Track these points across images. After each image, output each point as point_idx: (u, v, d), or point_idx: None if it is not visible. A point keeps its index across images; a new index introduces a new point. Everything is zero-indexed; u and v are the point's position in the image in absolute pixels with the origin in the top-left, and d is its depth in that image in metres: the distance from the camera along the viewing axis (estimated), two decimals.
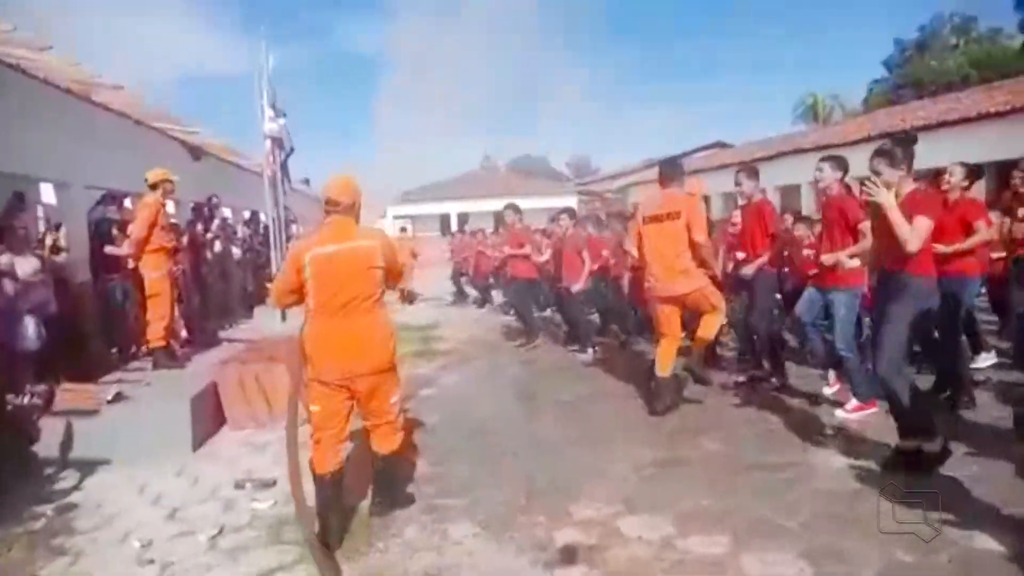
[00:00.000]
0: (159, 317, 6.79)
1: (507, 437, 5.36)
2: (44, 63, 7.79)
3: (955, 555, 3.15)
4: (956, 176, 5.46)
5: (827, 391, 5.76)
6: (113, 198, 8.49)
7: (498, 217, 11.51)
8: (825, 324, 5.48)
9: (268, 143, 9.22)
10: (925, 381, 5.23)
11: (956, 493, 3.78)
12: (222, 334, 9.58)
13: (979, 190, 6.19)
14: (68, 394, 5.44)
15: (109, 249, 7.64)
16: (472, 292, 15.48)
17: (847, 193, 5.37)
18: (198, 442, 5.48)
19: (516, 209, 9.74)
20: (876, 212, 4.06)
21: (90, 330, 7.64)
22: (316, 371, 3.61)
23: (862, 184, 4.05)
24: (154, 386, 6.14)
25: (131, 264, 7.09)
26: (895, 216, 3.86)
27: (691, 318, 5.84)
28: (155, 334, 6.82)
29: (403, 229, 20.01)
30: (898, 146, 4.11)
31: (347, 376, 3.58)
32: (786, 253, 6.81)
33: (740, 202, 6.44)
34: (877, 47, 78.04)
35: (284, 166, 9.72)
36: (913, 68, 34.79)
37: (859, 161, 6.29)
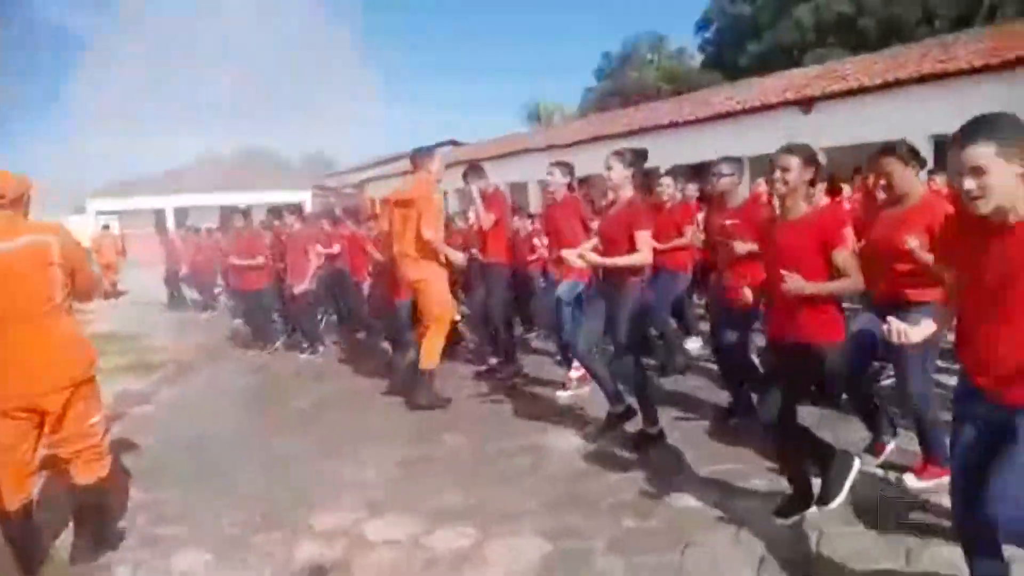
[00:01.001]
0: None
1: (237, 453, 4.93)
2: None
3: (669, 517, 3.49)
4: (667, 187, 6.17)
5: (573, 373, 5.94)
6: None
7: (225, 217, 10.58)
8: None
9: None
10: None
11: (665, 460, 4.22)
12: None
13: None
14: None
15: None
16: (192, 295, 14.07)
17: (572, 195, 5.80)
18: None
19: (246, 214, 9.07)
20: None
21: None
22: None
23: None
24: None
25: None
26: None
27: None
28: None
29: (106, 226, 17.67)
30: (631, 152, 4.47)
31: (28, 396, 3.01)
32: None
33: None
34: (589, 58, 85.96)
35: None
36: (618, 79, 38.87)
37: (579, 161, 6.84)
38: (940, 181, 6.35)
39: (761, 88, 15.61)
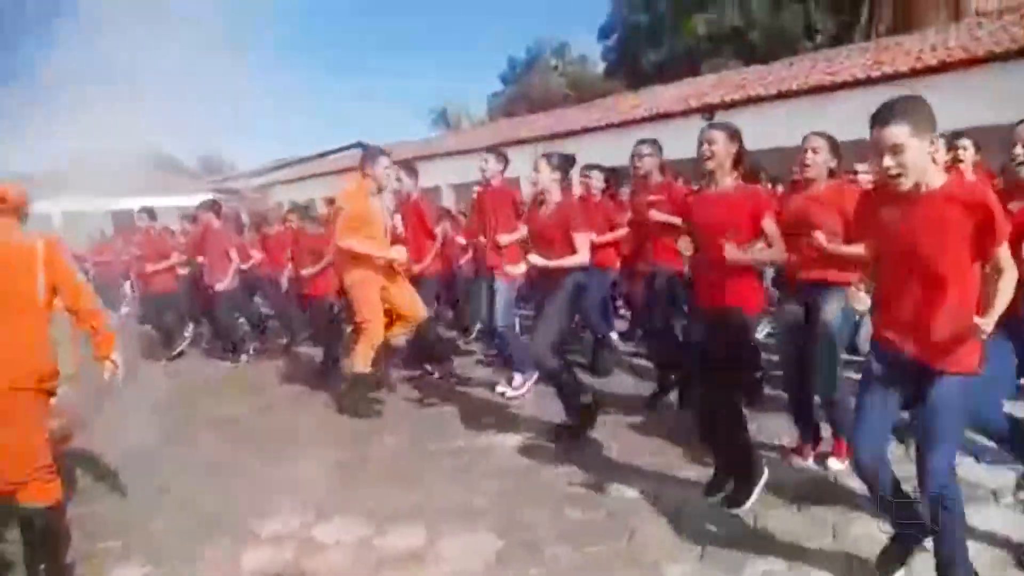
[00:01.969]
0: None
1: (170, 462, 4.76)
2: None
3: (613, 508, 3.65)
4: (596, 181, 6.39)
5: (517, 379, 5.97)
6: None
7: (120, 222, 10.04)
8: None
9: None
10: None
11: (601, 454, 4.39)
12: None
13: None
14: None
15: None
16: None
17: (508, 184, 5.94)
18: None
19: (152, 214, 8.73)
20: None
21: None
22: None
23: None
24: None
25: None
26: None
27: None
28: None
29: None
30: (559, 156, 4.70)
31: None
32: None
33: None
34: (494, 62, 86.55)
35: None
36: (523, 84, 39.32)
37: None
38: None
39: (665, 96, 16.25)
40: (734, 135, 3.42)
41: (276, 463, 4.64)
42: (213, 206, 8.33)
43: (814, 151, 3.74)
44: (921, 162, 2.31)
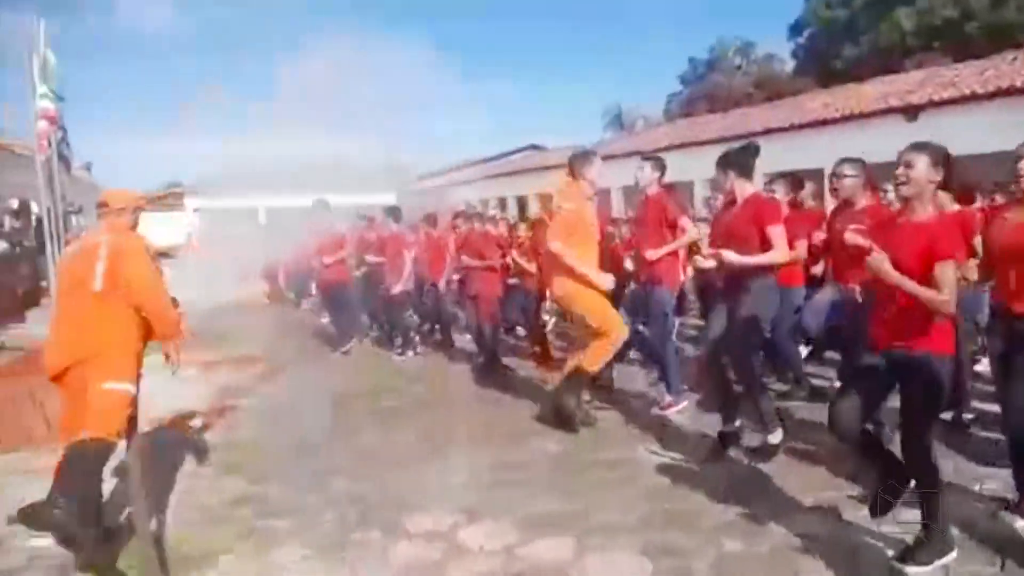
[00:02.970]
0: None
1: (333, 450, 5.00)
2: None
3: (775, 544, 3.31)
4: (779, 194, 5.67)
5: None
6: None
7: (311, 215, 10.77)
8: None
9: (41, 123, 8.04)
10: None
11: (768, 483, 4.03)
12: None
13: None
14: None
15: None
16: (290, 292, 14.54)
17: (666, 192, 5.59)
18: None
19: (326, 207, 9.16)
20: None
21: None
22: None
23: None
24: None
25: None
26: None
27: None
28: None
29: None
30: (742, 151, 4.44)
31: (56, 366, 3.42)
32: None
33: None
34: (673, 63, 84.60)
35: (61, 150, 8.51)
36: (704, 84, 38.09)
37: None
38: None
39: (860, 94, 14.97)
40: (938, 161, 2.91)
41: (432, 459, 4.71)
42: (393, 211, 8.74)
43: None
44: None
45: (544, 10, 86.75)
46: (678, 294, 5.89)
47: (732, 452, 4.46)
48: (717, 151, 5.01)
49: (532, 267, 7.58)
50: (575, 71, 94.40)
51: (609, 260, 6.41)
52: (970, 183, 5.62)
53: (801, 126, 14.35)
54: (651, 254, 5.26)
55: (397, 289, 8.21)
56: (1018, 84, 10.74)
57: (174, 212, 28.73)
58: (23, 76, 7.80)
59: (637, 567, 3.17)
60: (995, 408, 4.81)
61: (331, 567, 3.30)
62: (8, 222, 12.27)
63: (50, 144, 8.17)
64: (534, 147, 34.36)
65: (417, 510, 3.85)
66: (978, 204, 5.91)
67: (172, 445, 5.05)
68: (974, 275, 3.50)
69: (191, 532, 3.66)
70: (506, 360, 7.46)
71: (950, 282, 2.79)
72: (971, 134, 10.69)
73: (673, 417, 5.32)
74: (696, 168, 14.46)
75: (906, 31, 26.87)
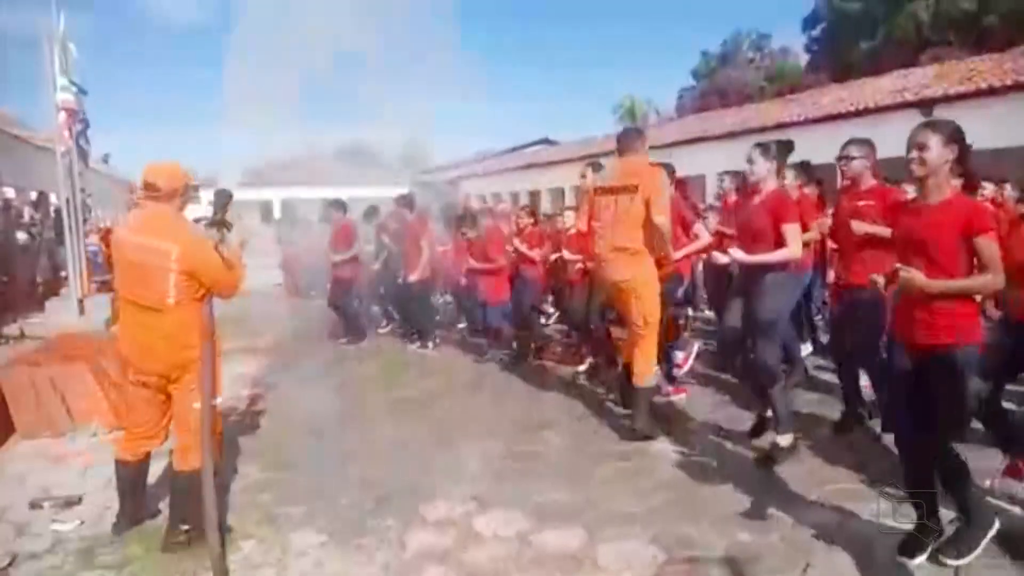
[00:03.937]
0: None
1: (349, 438, 5.07)
2: None
3: (786, 535, 3.36)
4: (789, 180, 5.71)
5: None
6: None
7: (326, 210, 10.83)
8: None
9: (61, 115, 8.13)
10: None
11: (777, 474, 4.06)
12: (6, 330, 8.33)
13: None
14: None
15: None
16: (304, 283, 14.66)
17: (681, 196, 5.62)
18: None
19: (340, 206, 9.22)
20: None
21: None
22: (122, 359, 3.51)
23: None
24: None
25: None
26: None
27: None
28: None
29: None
30: (775, 143, 4.41)
31: (142, 372, 3.41)
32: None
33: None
34: (685, 56, 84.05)
35: (79, 142, 8.61)
36: (717, 78, 37.87)
37: (680, 162, 6.65)
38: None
39: (876, 88, 14.88)
40: (951, 137, 2.86)
41: (446, 448, 4.77)
42: (406, 200, 8.73)
43: None
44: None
45: (558, 4, 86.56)
46: (690, 285, 5.91)
47: (741, 447, 4.51)
48: (729, 145, 5.03)
49: (535, 254, 7.57)
50: (587, 65, 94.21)
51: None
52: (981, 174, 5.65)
53: (815, 120, 14.28)
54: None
55: (414, 277, 8.21)
56: None
57: (190, 204, 28.74)
58: (44, 68, 7.88)
59: (649, 557, 3.22)
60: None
61: (348, 553, 3.37)
62: (27, 213, 12.42)
63: (71, 136, 8.26)
64: (546, 141, 34.34)
65: (431, 498, 3.92)
66: (988, 193, 5.96)
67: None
68: None
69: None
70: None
71: (996, 256, 2.78)
72: (988, 128, 10.64)
73: (686, 411, 5.36)
74: (708, 162, 14.50)
75: (922, 23, 26.62)
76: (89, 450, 4.82)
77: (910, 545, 2.99)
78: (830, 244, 5.84)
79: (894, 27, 27.81)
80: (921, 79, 14.10)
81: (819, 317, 7.34)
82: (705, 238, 5.44)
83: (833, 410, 5.03)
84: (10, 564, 3.34)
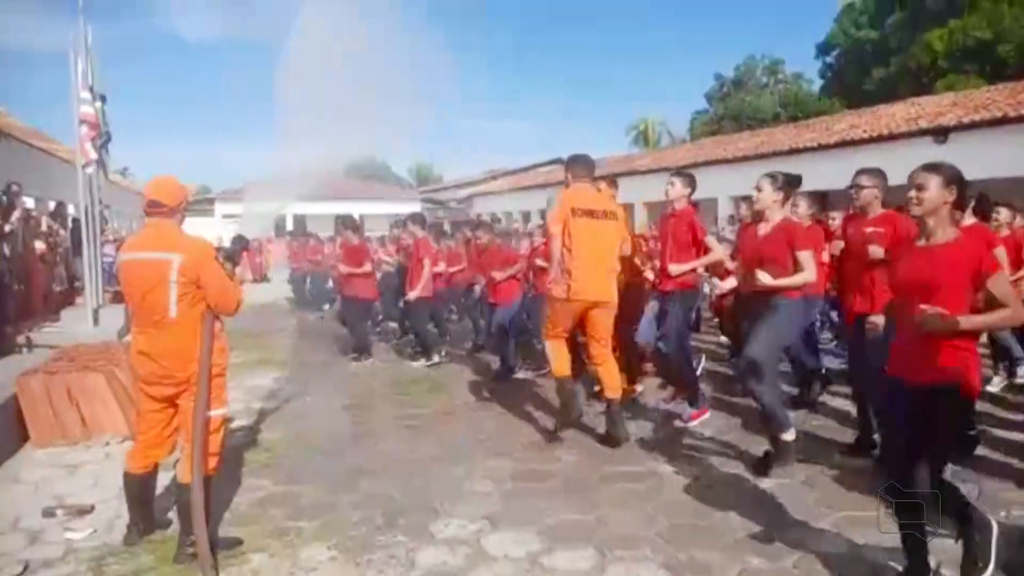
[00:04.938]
0: None
1: (360, 453, 5.08)
2: None
3: (800, 560, 3.33)
4: (802, 209, 5.92)
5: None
6: None
7: (338, 226, 10.93)
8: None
9: (83, 128, 8.25)
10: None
11: (789, 500, 4.03)
12: (22, 339, 8.40)
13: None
14: None
15: None
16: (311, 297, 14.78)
17: (693, 209, 5.66)
18: None
19: (350, 222, 9.30)
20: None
21: None
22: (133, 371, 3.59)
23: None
24: None
25: None
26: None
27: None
28: None
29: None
30: (783, 175, 4.52)
31: (152, 382, 3.44)
32: None
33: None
34: (699, 80, 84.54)
35: (100, 154, 8.73)
36: (731, 103, 38.02)
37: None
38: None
39: (889, 116, 14.91)
40: (951, 179, 2.86)
41: (455, 466, 4.76)
42: (417, 218, 8.85)
43: None
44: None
45: (572, 25, 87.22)
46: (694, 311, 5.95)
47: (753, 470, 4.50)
48: (742, 169, 5.10)
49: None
50: (601, 86, 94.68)
51: (628, 271, 6.47)
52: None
53: (827, 146, 14.32)
54: (674, 268, 5.34)
55: (412, 296, 8.25)
56: None
57: (204, 217, 29.15)
58: (67, 80, 8.02)
59: None
60: (1018, 436, 4.83)
61: (357, 568, 3.37)
62: (45, 222, 12.55)
63: (92, 148, 8.38)
64: (560, 160, 34.44)
65: (441, 516, 3.92)
66: (1004, 218, 6.02)
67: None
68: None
69: (224, 531, 3.74)
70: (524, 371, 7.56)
71: (1011, 291, 2.81)
72: (1002, 157, 10.64)
73: (695, 431, 5.35)
74: (720, 185, 14.54)
75: (937, 52, 26.68)
76: (103, 459, 4.85)
77: None
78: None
79: (909, 55, 27.89)
80: (935, 107, 14.12)
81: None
82: (718, 252, 5.54)
83: (843, 435, 5.01)
84: (23, 572, 3.35)
